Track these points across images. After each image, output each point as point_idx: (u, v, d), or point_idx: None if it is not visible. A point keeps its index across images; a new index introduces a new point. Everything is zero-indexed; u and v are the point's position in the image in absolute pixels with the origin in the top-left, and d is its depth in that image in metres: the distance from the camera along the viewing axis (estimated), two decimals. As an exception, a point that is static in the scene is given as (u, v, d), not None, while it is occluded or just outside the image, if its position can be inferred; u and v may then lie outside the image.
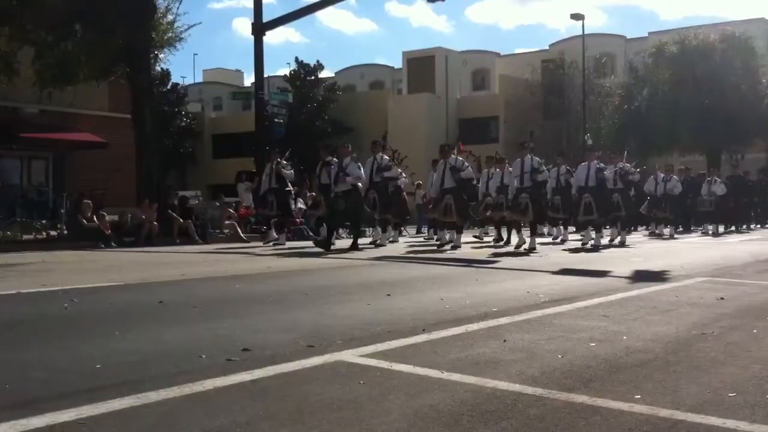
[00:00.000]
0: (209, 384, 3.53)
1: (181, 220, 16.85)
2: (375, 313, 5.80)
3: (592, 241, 15.50)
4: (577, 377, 3.74)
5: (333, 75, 54.79)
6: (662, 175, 20.94)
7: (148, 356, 4.18)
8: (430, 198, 17.10)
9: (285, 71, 47.58)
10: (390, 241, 16.42)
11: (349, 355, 4.19)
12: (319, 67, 47.32)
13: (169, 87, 42.95)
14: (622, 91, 41.32)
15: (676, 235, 20.08)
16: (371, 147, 15.80)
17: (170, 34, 20.63)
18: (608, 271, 9.40)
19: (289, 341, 4.60)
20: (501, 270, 10.15)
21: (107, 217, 16.30)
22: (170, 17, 20.66)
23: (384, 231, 16.43)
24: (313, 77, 46.64)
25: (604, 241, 16.22)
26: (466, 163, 15.00)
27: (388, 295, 6.91)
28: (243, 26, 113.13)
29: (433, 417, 3.05)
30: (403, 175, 17.12)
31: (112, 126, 23.38)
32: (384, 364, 3.98)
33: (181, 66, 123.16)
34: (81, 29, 18.61)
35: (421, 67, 48.15)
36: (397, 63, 54.56)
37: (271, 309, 6.32)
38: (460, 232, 15.22)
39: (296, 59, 46.77)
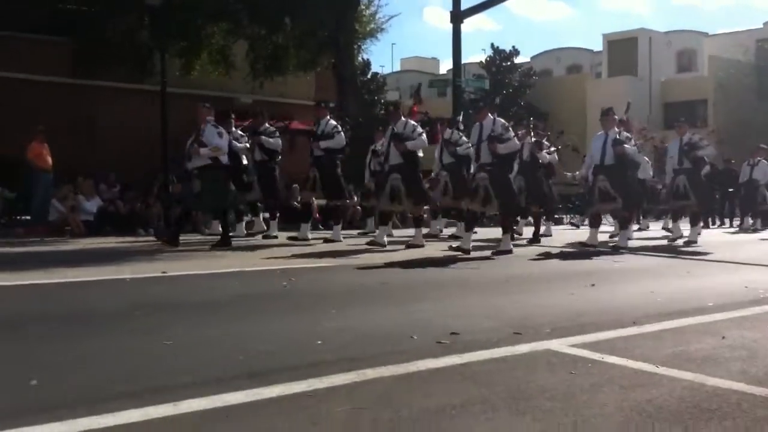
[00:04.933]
0: (422, 365, 3.65)
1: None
2: (581, 303, 5.71)
3: (624, 239, 11.37)
4: (807, 380, 3.51)
5: (528, 60, 53.96)
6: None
7: (363, 335, 4.39)
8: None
9: (479, 58, 47.56)
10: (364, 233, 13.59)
11: (558, 345, 4.17)
12: (515, 52, 46.74)
13: (369, 76, 44.14)
14: None
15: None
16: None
17: (372, 26, 21.38)
18: (837, 267, 8.65)
19: (495, 327, 4.65)
20: (714, 262, 9.63)
21: (315, 202, 17.03)
22: (372, 9, 21.41)
23: (337, 223, 12.55)
24: (508, 63, 46.19)
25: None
26: (419, 129, 11.03)
27: (593, 285, 6.77)
28: (433, 15, 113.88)
29: (650, 412, 2.98)
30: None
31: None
32: (595, 355, 3.92)
33: (380, 55, 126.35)
34: (290, 23, 19.64)
35: (623, 49, 46.34)
36: (595, 46, 52.93)
37: (474, 294, 6.41)
38: (419, 225, 11.53)
39: (492, 45, 46.58)
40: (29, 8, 16.97)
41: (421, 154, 11.20)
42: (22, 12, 17.01)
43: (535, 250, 11.04)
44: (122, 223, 14.29)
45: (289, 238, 11.87)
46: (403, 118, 11.05)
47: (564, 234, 15.46)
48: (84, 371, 3.51)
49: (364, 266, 8.30)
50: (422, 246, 10.91)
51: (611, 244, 11.52)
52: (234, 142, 12.00)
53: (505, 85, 44.42)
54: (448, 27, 21.28)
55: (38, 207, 14.21)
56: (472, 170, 10.90)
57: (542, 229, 13.77)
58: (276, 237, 12.41)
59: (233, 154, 11.85)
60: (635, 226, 16.25)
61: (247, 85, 21.30)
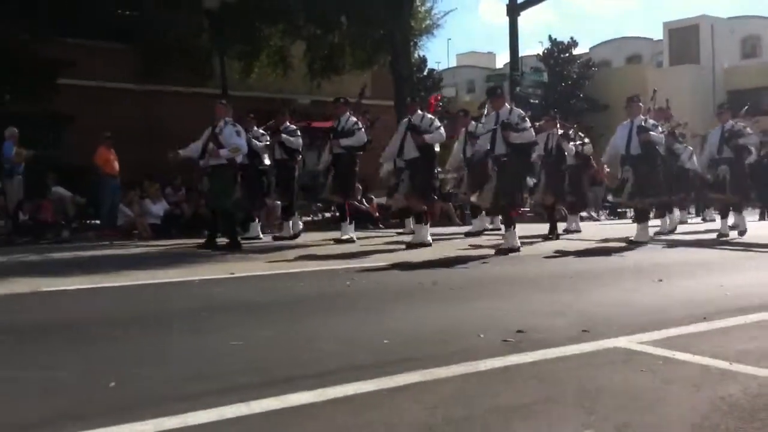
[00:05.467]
0: (490, 364, 3.65)
1: (443, 203, 17.25)
2: (649, 299, 5.63)
3: (643, 233, 10.86)
4: None
5: (587, 51, 53.17)
6: None
7: (429, 334, 4.41)
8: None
9: (537, 50, 46.92)
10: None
11: (626, 342, 4.11)
12: (573, 44, 46.11)
13: (425, 73, 44.11)
14: None
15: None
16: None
17: (428, 22, 21.33)
18: None
19: (562, 325, 4.62)
20: (784, 255, 9.37)
21: (375, 201, 17.07)
22: (428, 5, 21.38)
23: (343, 220, 12.04)
24: (567, 54, 45.58)
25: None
26: (437, 123, 10.58)
27: (660, 280, 6.65)
28: (488, 9, 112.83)
29: (725, 410, 2.93)
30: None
31: (375, 113, 24.49)
32: (665, 352, 3.86)
33: (435, 52, 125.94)
34: (346, 22, 19.75)
35: (684, 37, 45.37)
36: (656, 34, 51.83)
37: (537, 291, 6.36)
38: (422, 221, 10.85)
39: (549, 37, 46.03)
40: (94, 17, 17.43)
41: (437, 149, 10.81)
42: (88, 20, 17.47)
43: (579, 245, 10.89)
44: (188, 226, 14.55)
45: (336, 240, 11.59)
46: (419, 111, 10.75)
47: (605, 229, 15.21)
48: (159, 372, 3.60)
49: (424, 265, 8.31)
50: (428, 245, 10.41)
51: (630, 238, 10.86)
52: (254, 141, 11.94)
53: (564, 77, 43.85)
54: (504, 20, 21.18)
55: (107, 211, 14.60)
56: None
57: (572, 224, 13.57)
58: (297, 237, 12.30)
59: (254, 153, 11.90)
60: (697, 218, 15.66)
61: (305, 86, 21.49)
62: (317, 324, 4.84)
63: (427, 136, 10.32)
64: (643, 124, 10.61)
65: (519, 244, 9.63)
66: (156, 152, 12.45)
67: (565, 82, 43.56)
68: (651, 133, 10.56)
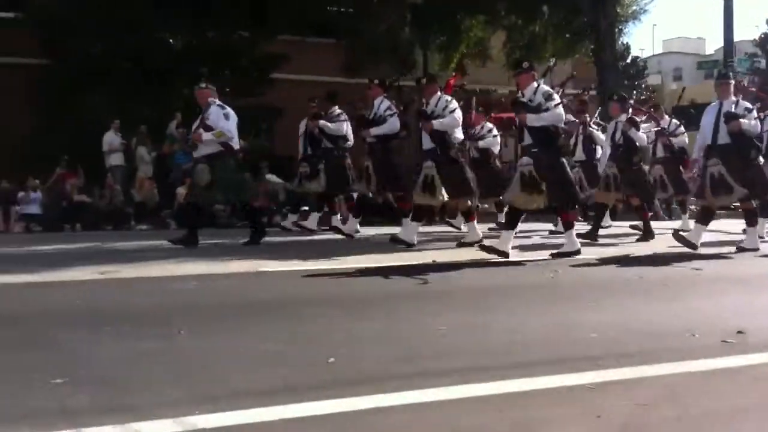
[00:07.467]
0: (704, 364, 3.51)
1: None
2: None
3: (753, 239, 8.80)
4: None
5: (813, 34, 48.82)
6: None
7: (637, 329, 4.28)
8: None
9: (753, 35, 43.75)
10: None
11: None
12: (794, 27, 42.58)
13: (628, 60, 42.50)
14: None
15: None
16: None
17: (634, 8, 20.62)
18: None
19: (788, 327, 4.35)
20: None
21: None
22: (635, -10, 20.67)
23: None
24: (787, 39, 42.16)
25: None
26: (452, 106, 9.03)
27: None
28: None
29: None
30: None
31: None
32: None
33: (639, 38, 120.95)
34: (548, 10, 19.49)
35: None
36: None
37: (748, 292, 6.00)
38: (470, 218, 9.58)
39: (767, 21, 42.78)
40: (305, 13, 18.34)
41: (459, 135, 9.28)
42: (299, 17, 18.40)
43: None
44: (377, 212, 14.90)
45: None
46: (438, 93, 9.20)
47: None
48: (372, 351, 3.77)
49: (624, 259, 8.07)
50: (479, 241, 9.10)
51: (740, 245, 8.89)
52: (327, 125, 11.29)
53: (784, 63, 40.60)
54: (717, 3, 20.00)
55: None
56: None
57: (679, 222, 12.18)
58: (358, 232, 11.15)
59: (315, 141, 11.60)
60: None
61: (502, 77, 21.42)
62: (520, 314, 4.85)
63: (435, 122, 8.86)
64: (733, 108, 8.66)
65: (579, 247, 8.23)
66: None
67: (784, 69, 40.33)
68: (743, 120, 8.52)
